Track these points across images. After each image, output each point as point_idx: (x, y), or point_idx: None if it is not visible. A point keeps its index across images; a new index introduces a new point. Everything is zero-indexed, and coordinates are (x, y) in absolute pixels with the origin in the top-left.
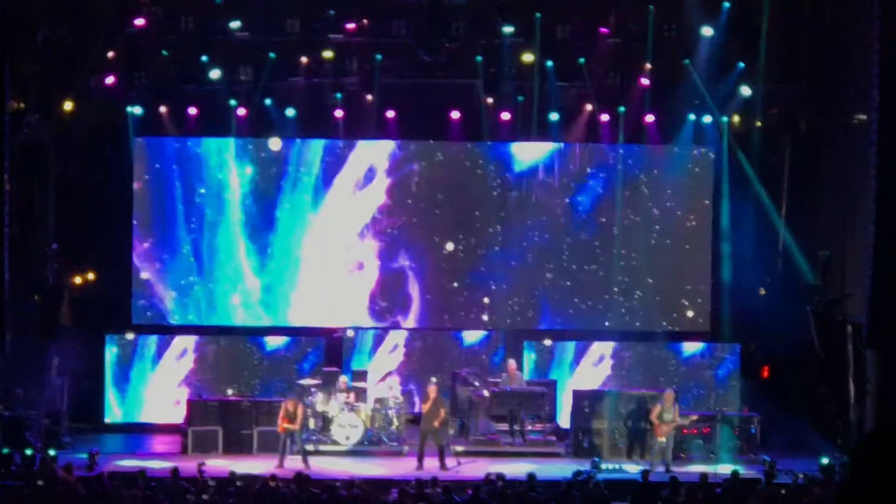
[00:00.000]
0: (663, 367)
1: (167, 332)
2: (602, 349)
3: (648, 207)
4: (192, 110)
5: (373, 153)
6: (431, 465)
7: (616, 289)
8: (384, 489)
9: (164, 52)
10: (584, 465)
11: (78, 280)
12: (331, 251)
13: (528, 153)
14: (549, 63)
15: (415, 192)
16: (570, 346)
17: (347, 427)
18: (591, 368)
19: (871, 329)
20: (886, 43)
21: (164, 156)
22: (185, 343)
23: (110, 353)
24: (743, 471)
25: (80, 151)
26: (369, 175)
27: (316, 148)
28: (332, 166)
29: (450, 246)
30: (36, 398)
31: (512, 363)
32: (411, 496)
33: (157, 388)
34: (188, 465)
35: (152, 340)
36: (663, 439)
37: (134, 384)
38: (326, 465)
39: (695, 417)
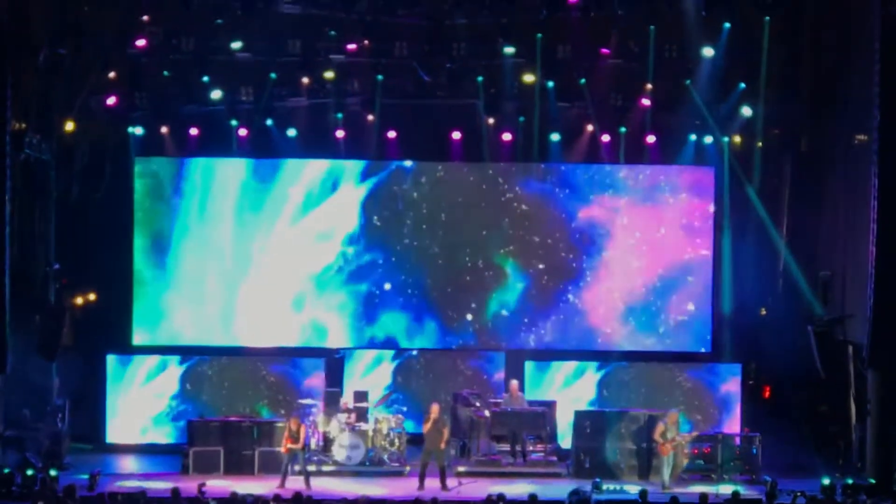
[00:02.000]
0: (666, 387)
1: (169, 352)
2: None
3: (649, 228)
4: (194, 131)
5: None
6: (433, 485)
7: (617, 309)
8: None
9: (166, 73)
10: (585, 486)
11: (79, 300)
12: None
13: (536, 173)
14: (550, 84)
15: (412, 214)
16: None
17: (349, 447)
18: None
19: (872, 350)
20: (887, 63)
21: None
22: (186, 363)
23: (111, 373)
24: (744, 491)
25: (81, 171)
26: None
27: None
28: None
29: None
30: (37, 419)
31: (514, 383)
32: None
33: (157, 409)
34: (189, 486)
35: (154, 361)
36: (667, 458)
37: (133, 404)
38: (328, 486)
39: (695, 434)
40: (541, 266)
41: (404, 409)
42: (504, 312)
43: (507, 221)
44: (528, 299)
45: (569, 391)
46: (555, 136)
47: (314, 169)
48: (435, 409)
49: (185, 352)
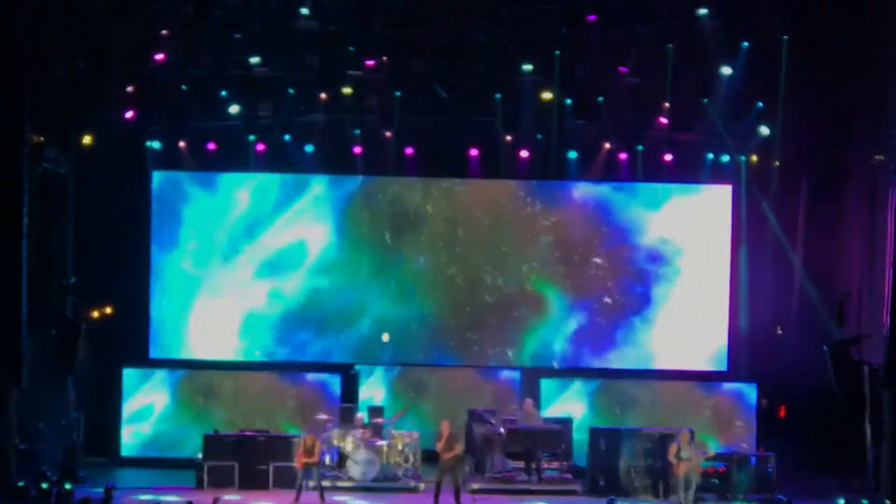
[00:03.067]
0: (681, 406)
1: (185, 366)
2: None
3: (665, 246)
4: (211, 145)
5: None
6: (447, 502)
7: (634, 327)
8: None
9: (184, 87)
10: None
11: (96, 314)
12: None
13: (553, 190)
14: (568, 101)
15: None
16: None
17: (363, 463)
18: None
19: (888, 370)
20: None
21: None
22: (199, 377)
23: (127, 386)
24: None
25: (98, 185)
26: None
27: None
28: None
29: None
30: (52, 432)
31: (529, 402)
32: None
33: (175, 423)
34: (204, 500)
35: (169, 374)
36: (681, 477)
37: (150, 418)
38: (342, 501)
39: (712, 454)
40: (552, 283)
41: (415, 433)
42: (516, 329)
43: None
44: (539, 317)
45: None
46: (572, 154)
47: (328, 184)
48: (445, 427)
49: (200, 366)
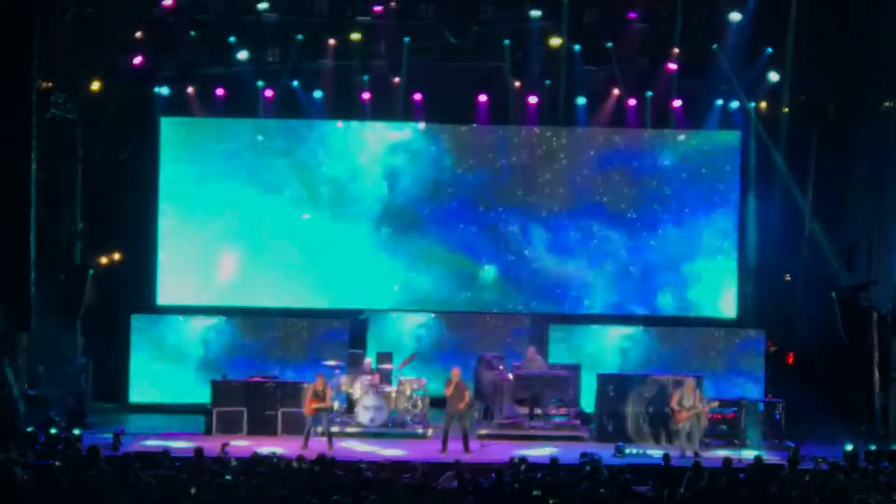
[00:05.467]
0: (690, 353)
1: (192, 313)
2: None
3: (675, 193)
4: (220, 91)
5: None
6: (455, 448)
7: (642, 274)
8: (407, 472)
9: (192, 33)
10: (597, 450)
11: (104, 260)
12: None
13: (565, 136)
14: (577, 47)
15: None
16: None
17: (372, 409)
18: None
19: None
20: None
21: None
22: (207, 324)
23: (135, 332)
24: (766, 456)
25: (107, 131)
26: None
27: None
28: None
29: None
30: (61, 378)
31: (531, 349)
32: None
33: (183, 369)
34: (212, 446)
35: (177, 321)
36: (683, 425)
37: (159, 364)
38: (350, 447)
39: (716, 404)
40: (559, 230)
41: (424, 379)
42: (525, 275)
43: (528, 184)
44: (548, 263)
45: None
46: (581, 100)
47: (339, 130)
48: (455, 373)
49: (207, 312)
